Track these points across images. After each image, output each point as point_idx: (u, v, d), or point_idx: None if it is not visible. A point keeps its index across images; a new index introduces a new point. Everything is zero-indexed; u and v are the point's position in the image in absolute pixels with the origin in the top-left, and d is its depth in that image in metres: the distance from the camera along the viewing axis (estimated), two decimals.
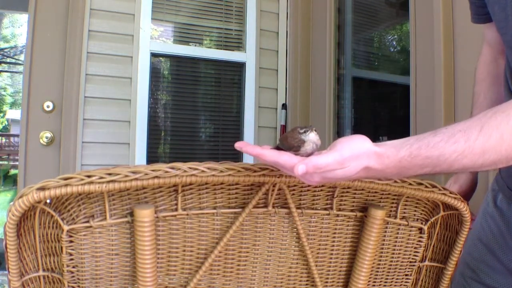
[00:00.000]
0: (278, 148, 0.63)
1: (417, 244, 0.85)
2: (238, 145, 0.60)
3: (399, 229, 0.83)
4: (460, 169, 0.54)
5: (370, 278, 0.83)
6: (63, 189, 0.59)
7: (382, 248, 0.83)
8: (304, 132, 0.60)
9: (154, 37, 2.34)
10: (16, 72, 12.92)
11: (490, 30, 0.88)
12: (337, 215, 0.80)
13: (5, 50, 11.78)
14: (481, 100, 0.91)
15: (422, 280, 0.89)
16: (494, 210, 0.80)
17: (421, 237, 0.85)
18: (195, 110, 2.48)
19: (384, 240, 0.83)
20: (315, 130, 0.61)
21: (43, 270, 0.68)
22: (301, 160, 0.54)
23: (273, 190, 0.73)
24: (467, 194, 0.92)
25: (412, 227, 0.84)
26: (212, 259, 0.74)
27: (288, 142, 0.61)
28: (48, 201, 0.64)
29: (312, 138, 0.60)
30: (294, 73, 2.49)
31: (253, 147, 0.59)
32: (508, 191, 0.77)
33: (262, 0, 2.51)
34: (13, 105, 15.05)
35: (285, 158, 0.56)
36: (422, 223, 0.84)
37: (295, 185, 0.75)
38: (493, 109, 0.54)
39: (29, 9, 2.02)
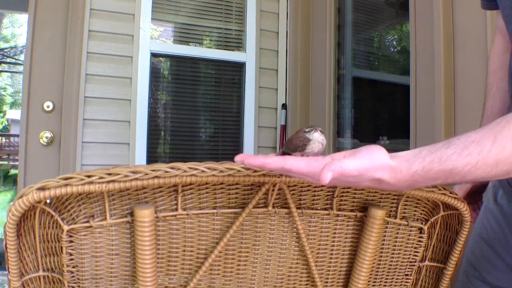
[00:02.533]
0: (284, 153, 0.62)
1: (417, 244, 0.85)
2: (238, 159, 0.56)
3: (399, 229, 0.83)
4: (472, 180, 0.53)
5: (370, 278, 0.83)
6: (63, 189, 0.59)
7: (382, 248, 0.83)
8: (309, 131, 0.61)
9: (154, 37, 2.34)
10: (16, 72, 12.93)
11: (501, 18, 0.86)
12: (337, 215, 0.80)
13: (5, 50, 11.78)
14: (494, 91, 0.89)
15: (422, 280, 0.89)
16: (495, 206, 0.80)
17: (421, 237, 0.85)
18: (195, 110, 2.48)
19: (384, 240, 0.83)
20: (320, 130, 0.61)
21: (43, 270, 0.68)
22: (327, 167, 0.50)
23: (273, 190, 0.73)
24: (481, 187, 0.90)
25: (412, 227, 0.84)
26: (212, 259, 0.74)
27: (293, 143, 0.61)
28: (48, 201, 0.64)
29: (317, 137, 0.60)
30: (294, 73, 2.49)
31: (255, 158, 0.55)
32: (508, 187, 0.76)
33: (262, 0, 2.51)
34: (13, 105, 15.06)
35: (290, 163, 0.54)
36: (422, 223, 0.84)
37: (295, 185, 0.75)
38: (506, 117, 0.53)
39: (29, 9, 2.02)
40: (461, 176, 0.52)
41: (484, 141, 0.51)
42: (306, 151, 0.60)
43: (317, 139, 0.60)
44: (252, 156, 0.55)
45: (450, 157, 0.52)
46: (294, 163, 0.54)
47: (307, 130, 0.61)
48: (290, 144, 0.62)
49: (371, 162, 0.53)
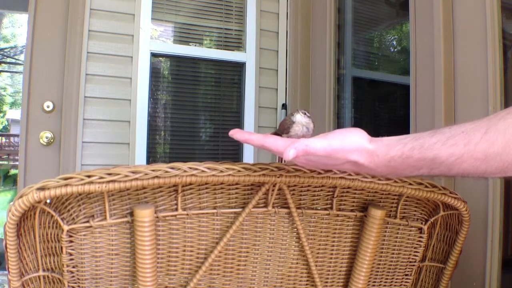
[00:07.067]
0: (276, 133, 0.65)
1: (417, 244, 0.85)
2: (230, 133, 0.60)
3: (399, 229, 0.83)
4: (461, 173, 0.49)
5: (370, 278, 0.83)
6: (63, 189, 0.59)
7: (382, 248, 0.83)
8: (293, 114, 0.63)
9: (154, 37, 2.34)
10: (16, 72, 12.92)
11: None
12: (337, 215, 0.80)
13: (5, 50, 11.77)
14: None
15: (422, 280, 0.89)
16: None
17: (421, 237, 0.85)
18: (195, 110, 2.48)
19: (384, 240, 0.83)
20: (303, 112, 0.63)
21: (43, 270, 0.68)
22: (291, 144, 0.53)
23: (273, 190, 0.73)
24: None
25: (412, 227, 0.84)
26: (212, 259, 0.74)
27: (281, 125, 0.64)
28: (48, 201, 0.64)
29: (299, 119, 0.62)
30: (294, 73, 2.49)
31: (241, 133, 0.59)
32: None
33: (262, 0, 2.51)
34: (13, 105, 15.05)
35: (270, 141, 0.57)
36: (422, 223, 0.84)
37: (295, 185, 0.75)
38: (508, 109, 0.48)
39: (29, 9, 2.02)
40: (446, 167, 0.49)
41: (475, 132, 0.47)
42: (291, 134, 0.62)
43: (300, 121, 0.62)
44: (240, 132, 0.59)
45: (432, 146, 0.49)
46: (273, 142, 0.56)
47: (293, 113, 0.63)
48: (281, 126, 0.65)
49: (341, 144, 0.53)
